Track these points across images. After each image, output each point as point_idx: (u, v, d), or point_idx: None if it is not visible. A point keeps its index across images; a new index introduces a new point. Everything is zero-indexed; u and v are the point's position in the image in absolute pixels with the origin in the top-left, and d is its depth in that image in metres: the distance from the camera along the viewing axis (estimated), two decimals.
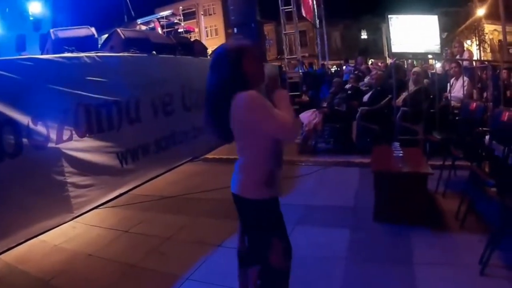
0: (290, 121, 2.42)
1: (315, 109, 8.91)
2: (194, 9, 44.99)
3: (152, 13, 29.34)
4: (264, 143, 2.54)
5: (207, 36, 43.86)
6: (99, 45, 8.28)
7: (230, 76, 2.51)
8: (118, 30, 8.25)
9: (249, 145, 2.59)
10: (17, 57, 6.12)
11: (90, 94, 6.53)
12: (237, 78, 2.49)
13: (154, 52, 8.26)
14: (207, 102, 2.69)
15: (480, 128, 6.01)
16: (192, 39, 13.36)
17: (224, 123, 2.55)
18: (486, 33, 34.73)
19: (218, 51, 2.66)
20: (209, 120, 2.68)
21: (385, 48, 40.13)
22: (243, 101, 2.41)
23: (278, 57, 21.86)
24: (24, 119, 5.43)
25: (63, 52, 6.55)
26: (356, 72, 13.30)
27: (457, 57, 10.19)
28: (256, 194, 2.61)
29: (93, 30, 7.66)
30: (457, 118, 7.09)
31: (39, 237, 5.42)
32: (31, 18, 21.63)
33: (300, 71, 16.40)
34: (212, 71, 2.63)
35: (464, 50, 10.79)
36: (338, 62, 33.03)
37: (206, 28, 46.53)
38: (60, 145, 5.99)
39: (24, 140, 5.42)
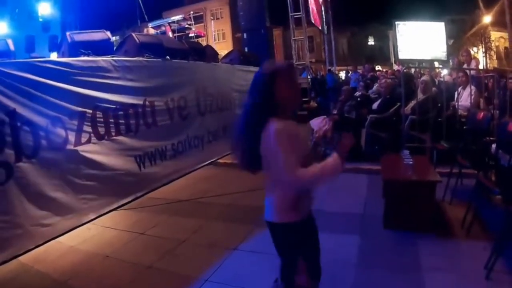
0: (302, 178, 2.40)
1: (325, 116, 8.99)
2: (202, 13, 44.93)
3: (160, 16, 29.45)
4: None
5: (215, 40, 43.84)
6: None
7: (262, 100, 2.51)
8: (133, 34, 8.33)
9: (276, 174, 2.49)
10: (36, 59, 6.19)
11: (107, 97, 6.61)
12: (269, 102, 2.49)
13: (168, 57, 8.37)
14: (239, 124, 2.64)
15: (487, 138, 6.11)
16: (202, 44, 13.45)
17: (252, 148, 2.54)
18: (493, 41, 34.77)
19: (256, 74, 2.64)
20: (238, 143, 2.66)
21: (392, 55, 40.18)
22: (273, 130, 2.40)
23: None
24: (43, 120, 5.49)
25: (79, 55, 6.64)
26: (365, 80, 13.38)
27: (465, 65, 10.26)
28: (280, 217, 2.63)
29: (108, 34, 7.73)
30: (464, 127, 7.18)
31: None
32: (40, 19, 21.77)
33: (308, 77, 16.42)
34: (248, 94, 2.63)
35: (471, 59, 10.84)
36: (344, 68, 33.10)
37: (213, 32, 46.55)
38: (78, 148, 6.04)
39: (43, 141, 5.47)
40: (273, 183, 2.63)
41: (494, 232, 4.62)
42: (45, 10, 22.08)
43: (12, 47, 6.55)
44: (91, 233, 5.72)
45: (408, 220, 5.03)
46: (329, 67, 24.29)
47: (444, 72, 12.55)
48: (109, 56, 7.02)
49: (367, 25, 48.51)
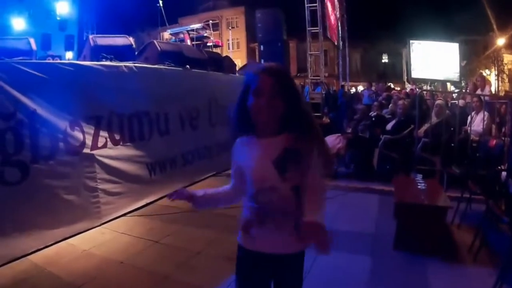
0: None
1: (339, 134, 9.09)
2: (217, 21, 45.01)
3: (175, 22, 29.49)
4: (245, 188, 2.27)
5: (229, 49, 43.86)
6: None
7: (234, 115, 2.30)
8: (155, 42, 8.48)
9: None
10: (59, 61, 6.28)
11: (125, 103, 6.72)
12: (241, 118, 2.25)
13: (187, 66, 8.48)
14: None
15: (499, 167, 6.15)
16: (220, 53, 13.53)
17: None
18: (505, 64, 34.66)
19: None
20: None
21: (404, 73, 40.13)
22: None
23: (298, 75, 21.79)
24: (62, 123, 5.60)
25: (101, 59, 6.79)
26: (380, 100, 13.37)
27: (479, 90, 10.30)
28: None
29: (131, 39, 7.90)
30: (477, 154, 7.23)
31: (67, 240, 5.49)
32: (58, 18, 21.94)
33: (322, 92, 16.41)
34: None
35: (485, 84, 10.88)
36: (357, 83, 33.11)
37: (228, 40, 46.64)
38: (95, 152, 6.14)
39: (60, 144, 5.57)
40: None
41: (500, 258, 4.65)
42: (63, 9, 22.22)
43: (34, 46, 6.62)
44: (105, 238, 5.72)
45: (418, 243, 5.08)
46: (343, 83, 24.29)
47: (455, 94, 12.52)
48: (130, 62, 7.12)
49: (381, 42, 48.36)
